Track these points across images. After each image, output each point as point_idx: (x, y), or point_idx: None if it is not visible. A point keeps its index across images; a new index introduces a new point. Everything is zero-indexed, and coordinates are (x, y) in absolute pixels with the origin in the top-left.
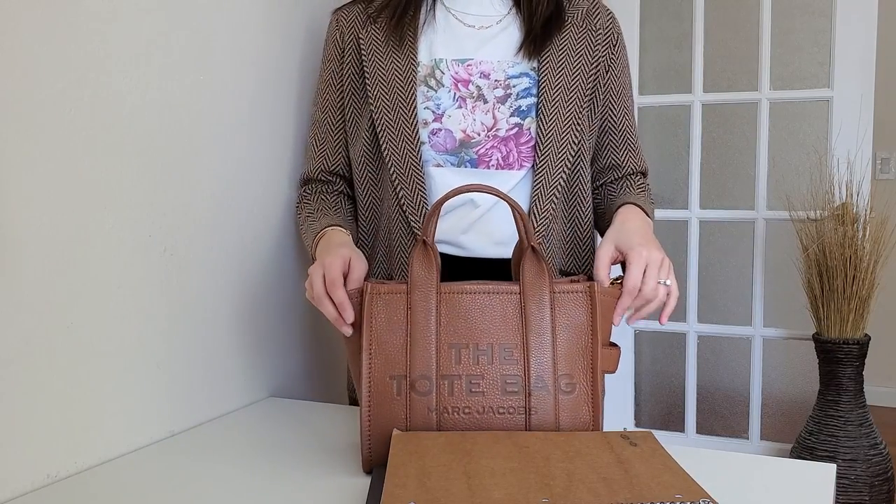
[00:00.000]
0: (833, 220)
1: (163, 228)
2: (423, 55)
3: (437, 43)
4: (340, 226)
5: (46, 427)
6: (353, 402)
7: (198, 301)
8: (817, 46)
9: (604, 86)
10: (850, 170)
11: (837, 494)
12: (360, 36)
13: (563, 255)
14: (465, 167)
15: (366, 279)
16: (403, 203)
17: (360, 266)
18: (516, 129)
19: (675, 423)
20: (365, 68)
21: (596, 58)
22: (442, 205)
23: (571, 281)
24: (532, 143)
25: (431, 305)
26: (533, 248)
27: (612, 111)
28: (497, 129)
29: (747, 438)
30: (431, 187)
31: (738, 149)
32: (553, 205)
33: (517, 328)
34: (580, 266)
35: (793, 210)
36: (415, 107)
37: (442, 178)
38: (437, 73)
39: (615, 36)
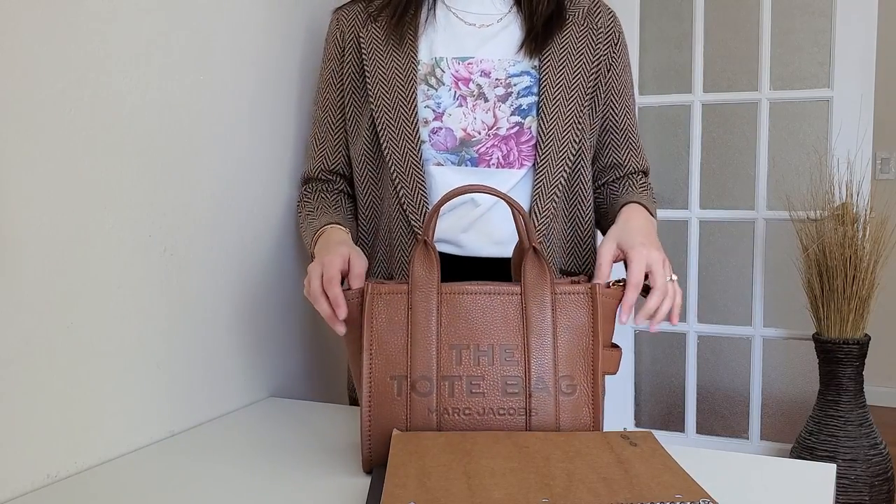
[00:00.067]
0: (833, 220)
1: (163, 228)
2: (424, 54)
3: (437, 42)
4: (340, 223)
5: (46, 427)
6: (354, 402)
7: (198, 301)
8: (817, 46)
9: (605, 85)
10: (850, 170)
11: (837, 494)
12: (361, 35)
13: (564, 254)
14: (466, 166)
15: (366, 279)
16: (404, 202)
17: (360, 263)
18: (517, 127)
19: (675, 423)
20: (365, 67)
21: (597, 56)
22: (442, 205)
23: (572, 282)
24: (533, 141)
25: (432, 306)
26: (534, 248)
27: (613, 110)
28: (498, 128)
29: (747, 438)
30: (432, 186)
31: (738, 149)
32: (554, 204)
33: (518, 329)
34: (581, 265)
35: (793, 210)
36: (415, 105)
37: (442, 176)
38: (438, 71)
39: (616, 35)
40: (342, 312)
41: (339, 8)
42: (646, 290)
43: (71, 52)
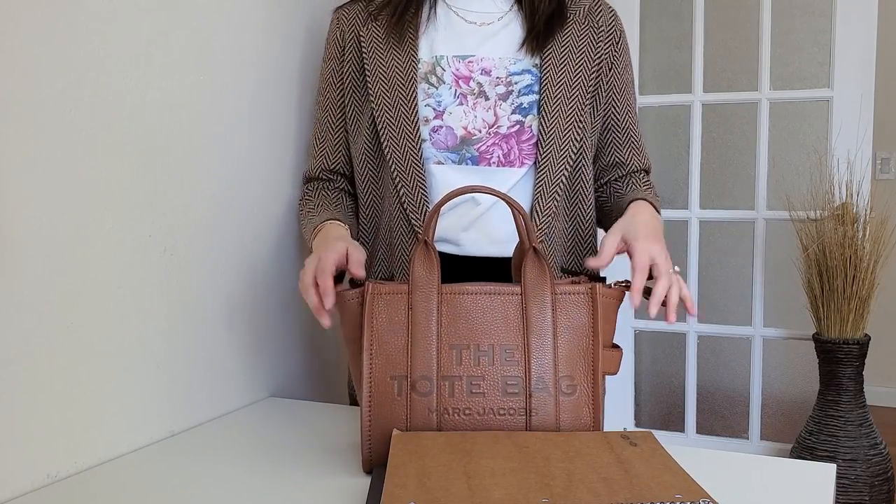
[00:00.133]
0: (833, 220)
1: (163, 228)
2: (424, 52)
3: (437, 40)
4: (339, 220)
5: (46, 427)
6: (354, 402)
7: (198, 301)
8: (817, 46)
9: (606, 83)
10: (850, 170)
11: (837, 494)
12: (361, 33)
13: (565, 253)
14: (466, 164)
15: (367, 279)
16: (404, 201)
17: (357, 254)
18: (518, 126)
19: (675, 423)
20: (366, 66)
21: (598, 55)
22: (443, 205)
23: (573, 282)
24: (533, 140)
25: (433, 306)
26: (535, 248)
27: (615, 109)
28: (498, 127)
29: (747, 438)
30: (432, 185)
31: (738, 149)
32: (555, 202)
33: (518, 329)
34: (582, 264)
35: (793, 210)
36: (416, 104)
37: (443, 175)
38: (438, 70)
39: (618, 34)
40: (329, 301)
41: (340, 7)
42: (647, 292)
43: (71, 52)
